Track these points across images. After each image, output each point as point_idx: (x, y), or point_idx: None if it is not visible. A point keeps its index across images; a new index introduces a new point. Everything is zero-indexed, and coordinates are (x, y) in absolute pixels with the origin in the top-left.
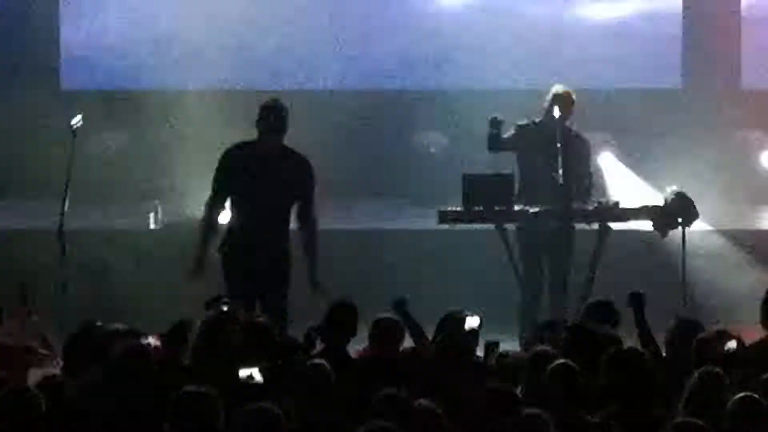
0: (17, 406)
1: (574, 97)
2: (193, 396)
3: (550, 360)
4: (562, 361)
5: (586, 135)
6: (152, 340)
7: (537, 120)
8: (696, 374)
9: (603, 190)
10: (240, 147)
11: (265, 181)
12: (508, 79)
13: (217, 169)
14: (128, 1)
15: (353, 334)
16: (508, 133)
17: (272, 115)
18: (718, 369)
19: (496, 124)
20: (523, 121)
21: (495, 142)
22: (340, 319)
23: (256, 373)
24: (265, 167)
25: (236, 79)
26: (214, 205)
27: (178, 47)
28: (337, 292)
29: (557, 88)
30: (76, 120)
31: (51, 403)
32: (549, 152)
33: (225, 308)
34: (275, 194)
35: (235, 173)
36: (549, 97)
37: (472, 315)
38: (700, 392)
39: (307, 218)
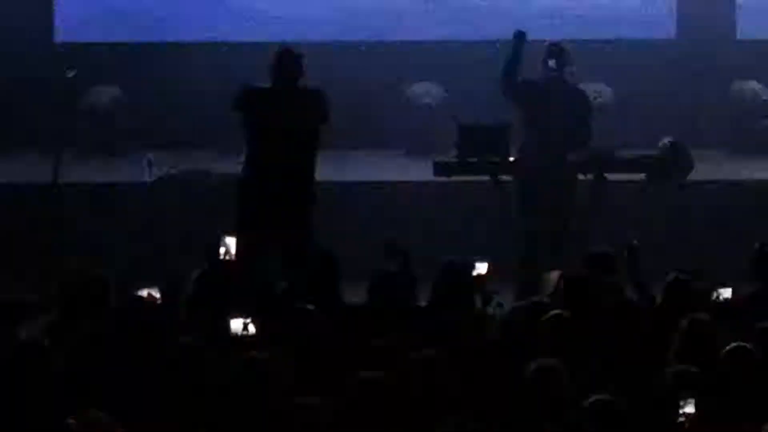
0: (30, 358)
1: (566, 47)
2: (187, 348)
3: (545, 311)
4: (556, 311)
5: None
6: (149, 293)
7: (538, 73)
8: (685, 321)
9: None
10: (256, 89)
11: (281, 115)
12: (501, 30)
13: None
14: None
15: (337, 278)
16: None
17: (286, 60)
18: (706, 316)
19: (521, 36)
20: (526, 78)
21: (512, 74)
22: (322, 267)
23: (249, 325)
24: (281, 104)
25: (231, 33)
26: None
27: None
28: (333, 244)
29: (550, 41)
30: (71, 73)
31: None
32: (546, 104)
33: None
34: (293, 125)
35: (252, 113)
36: (545, 49)
37: (480, 261)
38: (690, 339)
39: None
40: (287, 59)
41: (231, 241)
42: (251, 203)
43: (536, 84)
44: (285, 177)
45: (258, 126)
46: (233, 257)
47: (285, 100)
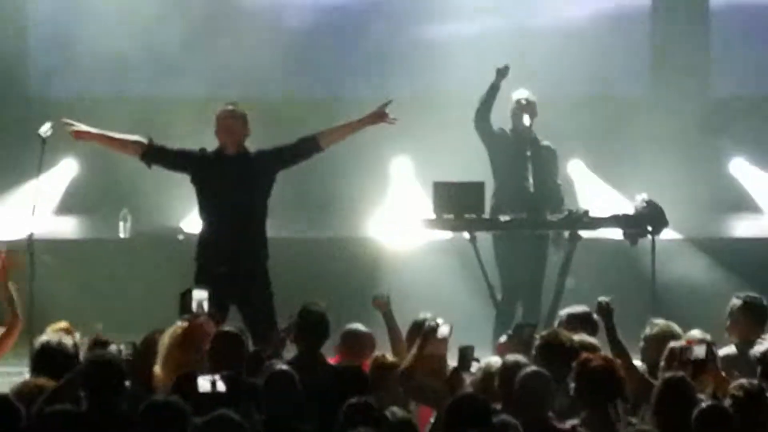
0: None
1: (534, 99)
2: (161, 406)
3: (521, 368)
4: (533, 368)
5: (556, 143)
6: (123, 348)
7: (509, 128)
8: (661, 380)
9: (573, 199)
10: (203, 154)
11: (230, 185)
12: (476, 87)
13: (181, 149)
14: (96, 11)
15: (326, 336)
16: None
17: (229, 120)
18: (682, 374)
19: (504, 72)
20: (499, 127)
21: (488, 106)
22: (311, 323)
23: (217, 382)
24: (228, 172)
25: (201, 88)
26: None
27: (143, 56)
28: (304, 300)
29: (520, 93)
30: (45, 128)
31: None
32: (520, 161)
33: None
34: (243, 196)
35: (200, 179)
36: (513, 103)
37: (444, 323)
38: (666, 398)
39: (309, 137)
40: (226, 121)
41: (202, 295)
42: (206, 265)
43: (510, 137)
44: (234, 241)
45: (202, 192)
46: (205, 311)
47: (227, 164)
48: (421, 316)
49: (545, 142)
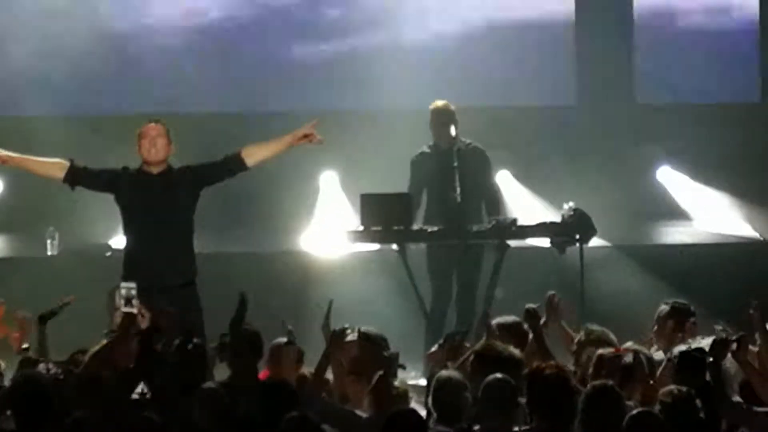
0: None
1: (453, 108)
2: (82, 421)
3: (453, 385)
4: (497, 376)
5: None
6: (51, 367)
7: (431, 143)
8: (588, 388)
9: (501, 208)
10: (126, 172)
11: (154, 203)
12: (400, 99)
13: (103, 169)
14: (20, 32)
15: (260, 356)
16: (411, 177)
17: (151, 137)
18: (610, 382)
19: None
20: (416, 153)
21: None
22: (244, 344)
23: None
24: (152, 190)
25: (125, 104)
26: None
27: (63, 72)
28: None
29: (437, 105)
30: None
31: None
32: (445, 174)
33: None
34: (167, 214)
35: (123, 198)
36: (433, 116)
37: (350, 328)
38: (593, 405)
39: (234, 155)
40: (148, 137)
41: (130, 291)
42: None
43: (432, 156)
44: (160, 259)
45: (126, 210)
46: (134, 306)
47: (150, 182)
48: (340, 326)
49: (472, 145)
